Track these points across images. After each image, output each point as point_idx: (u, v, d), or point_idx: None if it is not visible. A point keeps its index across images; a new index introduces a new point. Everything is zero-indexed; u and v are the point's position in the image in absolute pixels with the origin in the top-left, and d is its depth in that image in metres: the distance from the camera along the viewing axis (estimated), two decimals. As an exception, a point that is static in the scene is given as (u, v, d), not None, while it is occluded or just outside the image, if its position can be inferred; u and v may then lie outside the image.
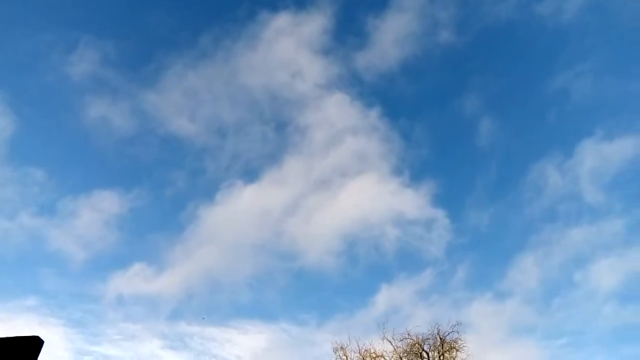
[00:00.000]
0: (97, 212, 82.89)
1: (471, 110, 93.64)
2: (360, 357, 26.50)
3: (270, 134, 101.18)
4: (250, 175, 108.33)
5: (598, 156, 79.25)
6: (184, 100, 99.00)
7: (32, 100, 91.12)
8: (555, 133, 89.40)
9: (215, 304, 75.32)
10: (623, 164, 79.42)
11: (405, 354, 26.54)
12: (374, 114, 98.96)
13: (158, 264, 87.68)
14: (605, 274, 68.20)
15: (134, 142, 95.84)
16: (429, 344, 26.42)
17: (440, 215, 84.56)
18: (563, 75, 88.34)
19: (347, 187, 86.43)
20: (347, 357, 26.34)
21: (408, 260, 79.25)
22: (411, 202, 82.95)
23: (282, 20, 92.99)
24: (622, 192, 78.82)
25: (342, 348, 26.53)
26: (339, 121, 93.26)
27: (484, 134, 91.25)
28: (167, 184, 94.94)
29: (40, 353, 9.70)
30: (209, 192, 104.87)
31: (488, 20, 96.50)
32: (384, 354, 26.49)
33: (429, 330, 26.77)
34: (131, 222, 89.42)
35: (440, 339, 26.23)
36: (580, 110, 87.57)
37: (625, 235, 74.28)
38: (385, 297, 60.25)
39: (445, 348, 26.08)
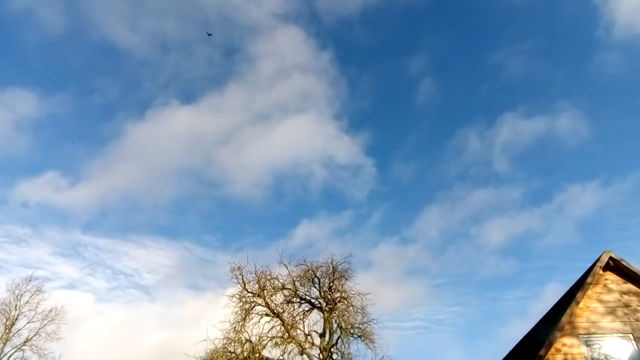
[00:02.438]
0: (9, 112, 76.60)
1: (416, 69, 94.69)
2: (256, 277, 27.44)
3: (217, 58, 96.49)
4: (188, 97, 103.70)
5: (514, 130, 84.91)
6: (125, 6, 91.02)
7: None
8: (484, 103, 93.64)
9: (130, 224, 74.05)
10: (532, 141, 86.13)
11: (299, 279, 27.87)
12: (326, 56, 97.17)
13: (73, 176, 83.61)
14: (496, 231, 76.43)
15: (63, 43, 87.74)
16: (322, 272, 27.86)
17: (369, 163, 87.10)
18: (503, 50, 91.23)
19: (285, 123, 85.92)
20: (242, 276, 27.13)
21: (331, 201, 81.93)
22: (345, 147, 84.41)
23: None
24: (526, 165, 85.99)
25: (239, 268, 27.20)
26: (289, 56, 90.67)
27: (423, 94, 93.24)
28: (95, 93, 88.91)
29: None
30: (140, 107, 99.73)
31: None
32: (279, 276, 27.60)
33: (323, 260, 28.11)
34: (48, 128, 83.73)
35: (333, 267, 27.71)
36: (510, 85, 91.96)
37: (520, 202, 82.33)
38: (304, 231, 62.76)
39: (336, 276, 27.67)
